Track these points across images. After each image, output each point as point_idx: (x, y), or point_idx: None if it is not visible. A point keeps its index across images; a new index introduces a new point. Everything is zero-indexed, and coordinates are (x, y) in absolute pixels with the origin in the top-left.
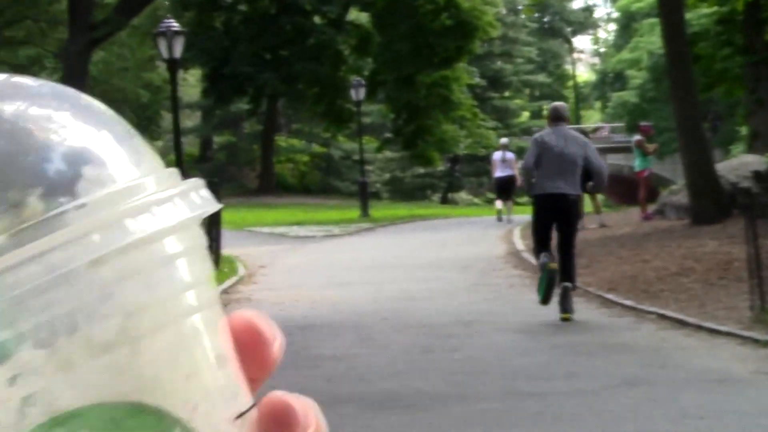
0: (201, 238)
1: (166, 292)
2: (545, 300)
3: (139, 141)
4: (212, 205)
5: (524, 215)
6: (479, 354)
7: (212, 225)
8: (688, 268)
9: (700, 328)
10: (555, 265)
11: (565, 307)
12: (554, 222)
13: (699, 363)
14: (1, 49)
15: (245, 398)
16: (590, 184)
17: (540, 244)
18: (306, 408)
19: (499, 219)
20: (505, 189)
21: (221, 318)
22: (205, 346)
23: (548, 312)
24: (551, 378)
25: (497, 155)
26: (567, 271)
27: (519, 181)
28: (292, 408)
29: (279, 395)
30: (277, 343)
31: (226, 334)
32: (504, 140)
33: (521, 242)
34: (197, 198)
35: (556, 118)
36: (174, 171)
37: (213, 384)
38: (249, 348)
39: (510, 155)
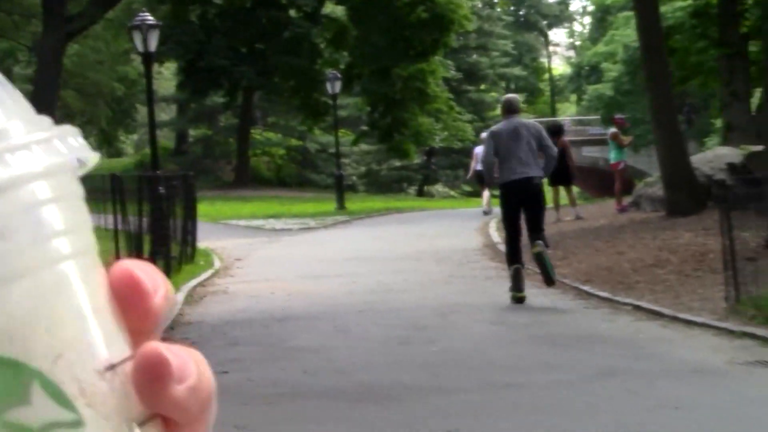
0: (75, 187)
1: (26, 239)
2: (549, 280)
3: (8, 88)
4: (86, 152)
5: None
6: (456, 345)
7: (188, 218)
8: (664, 259)
9: (675, 319)
10: (538, 248)
11: (548, 274)
12: (522, 207)
13: (674, 354)
14: None
15: (120, 350)
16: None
17: (511, 243)
18: (183, 360)
19: (487, 212)
20: (491, 180)
21: (98, 268)
22: (74, 295)
23: (525, 304)
24: (528, 369)
25: (479, 149)
26: (539, 237)
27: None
28: (165, 359)
29: (153, 346)
30: (159, 293)
31: (102, 284)
32: (485, 134)
33: (497, 234)
34: (67, 144)
35: (509, 110)
36: (45, 118)
37: (80, 335)
38: (127, 298)
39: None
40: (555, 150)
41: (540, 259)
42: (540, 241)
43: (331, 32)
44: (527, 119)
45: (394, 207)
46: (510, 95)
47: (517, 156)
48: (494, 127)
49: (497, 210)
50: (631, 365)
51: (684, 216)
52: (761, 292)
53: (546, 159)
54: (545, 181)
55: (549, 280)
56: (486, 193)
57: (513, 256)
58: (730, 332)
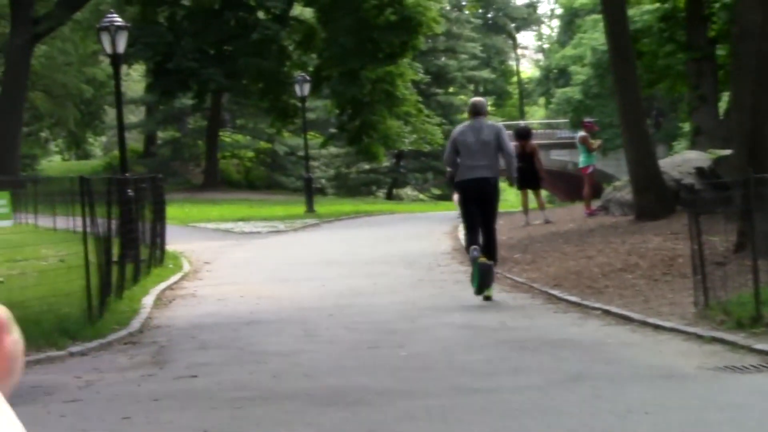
0: None
1: None
2: (480, 290)
3: None
4: None
5: None
6: (425, 350)
7: (157, 220)
8: (633, 264)
9: (644, 323)
10: (485, 259)
11: (481, 289)
12: (477, 204)
13: (644, 359)
14: None
15: None
16: (514, 177)
17: (469, 230)
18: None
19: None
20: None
21: None
22: None
23: (494, 308)
24: (497, 374)
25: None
26: (489, 252)
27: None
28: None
29: None
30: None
31: None
32: None
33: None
34: None
35: (475, 112)
36: None
37: None
38: None
39: None
40: (512, 151)
41: (482, 273)
42: (490, 263)
43: (300, 34)
44: (491, 121)
45: (364, 210)
46: (477, 98)
47: (473, 157)
48: (458, 128)
49: None
50: (600, 370)
51: (653, 220)
52: (730, 296)
53: (506, 160)
54: (512, 185)
55: (478, 291)
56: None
57: (470, 241)
58: (699, 337)
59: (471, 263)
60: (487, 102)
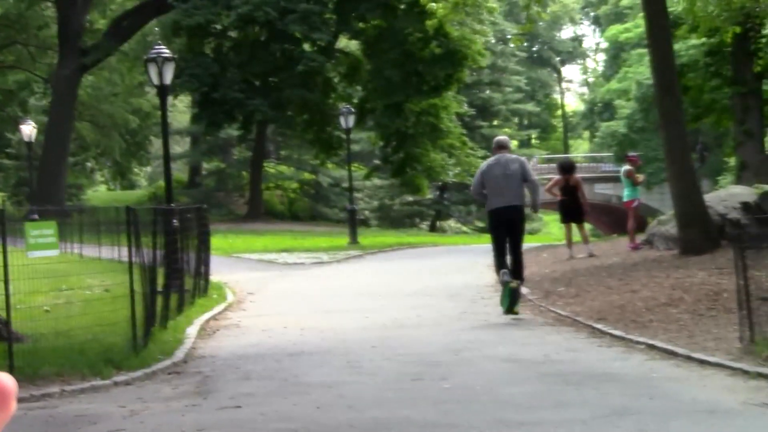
0: None
1: None
2: (509, 310)
3: None
4: None
5: (530, 243)
6: (468, 382)
7: (201, 251)
8: (677, 298)
9: (689, 358)
10: (515, 284)
11: (513, 306)
12: (506, 230)
13: (688, 394)
14: None
15: None
16: (538, 204)
17: (499, 254)
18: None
19: None
20: None
21: None
22: None
23: (537, 341)
24: (540, 407)
25: None
26: (517, 271)
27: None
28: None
29: None
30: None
31: None
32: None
33: None
34: None
35: (499, 147)
36: None
37: None
38: None
39: None
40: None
41: (512, 294)
42: (518, 281)
43: (345, 66)
44: (514, 155)
45: (407, 242)
46: (501, 136)
47: (503, 187)
48: (485, 162)
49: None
50: (644, 405)
51: (697, 254)
52: None
53: (532, 189)
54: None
55: (508, 310)
56: None
57: (500, 265)
58: (745, 372)
59: (501, 285)
60: (532, 135)
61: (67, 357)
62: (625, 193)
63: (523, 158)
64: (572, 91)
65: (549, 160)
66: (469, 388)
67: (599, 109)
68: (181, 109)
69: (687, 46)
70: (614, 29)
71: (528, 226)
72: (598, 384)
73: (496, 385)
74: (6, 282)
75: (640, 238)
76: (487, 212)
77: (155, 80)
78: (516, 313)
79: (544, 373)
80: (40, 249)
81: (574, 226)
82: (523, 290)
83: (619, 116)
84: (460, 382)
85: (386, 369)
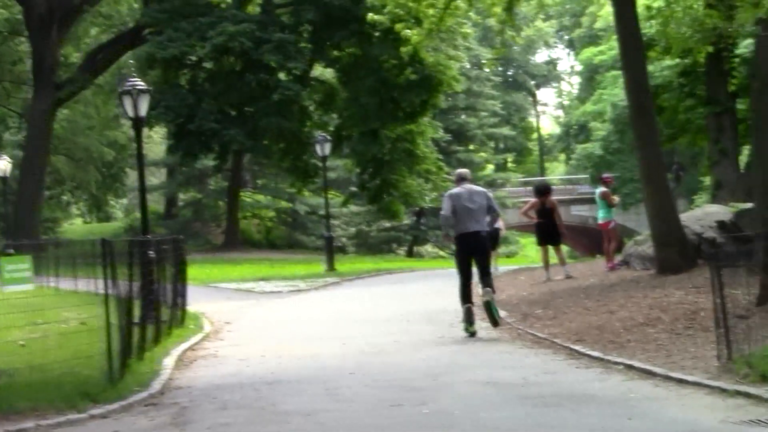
0: None
1: None
2: (496, 323)
3: None
4: None
5: (507, 265)
6: (448, 407)
7: (178, 281)
8: (655, 318)
9: (667, 378)
10: (489, 297)
11: (495, 318)
12: (472, 254)
13: (667, 413)
14: None
15: None
16: (490, 229)
17: (464, 286)
18: None
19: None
20: (493, 240)
21: None
22: None
23: (516, 364)
24: (520, 431)
25: None
26: (489, 284)
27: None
28: None
29: None
30: None
31: None
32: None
33: None
34: None
35: (461, 179)
36: None
37: None
38: None
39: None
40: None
41: (488, 307)
42: (488, 289)
43: (321, 94)
44: (476, 186)
45: (384, 267)
46: (462, 169)
47: (468, 215)
48: (452, 191)
49: (502, 268)
50: (623, 425)
51: (674, 274)
52: (753, 350)
53: (492, 213)
54: (535, 240)
55: (495, 323)
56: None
57: (465, 297)
58: (723, 391)
59: (464, 316)
60: (508, 159)
61: (43, 391)
62: (600, 215)
63: (486, 190)
64: (548, 114)
65: (525, 183)
66: (448, 413)
67: (575, 132)
68: (156, 141)
69: (661, 67)
70: (588, 52)
71: (505, 248)
72: (577, 406)
73: (475, 410)
74: None
75: (617, 258)
76: (455, 237)
77: (130, 112)
78: (496, 323)
79: (523, 396)
80: (15, 283)
81: (550, 248)
82: (502, 313)
83: (595, 138)
84: (439, 408)
85: (365, 395)
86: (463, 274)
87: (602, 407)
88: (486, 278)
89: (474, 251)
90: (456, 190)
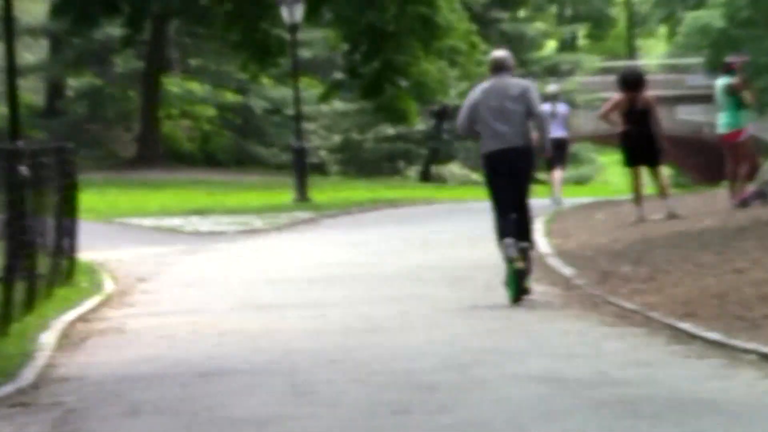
0: None
1: None
2: (517, 299)
3: None
4: None
5: (576, 197)
6: (482, 417)
7: (64, 214)
8: None
9: None
10: (522, 264)
11: (522, 286)
12: (506, 180)
13: None
14: None
15: None
16: (547, 147)
17: (500, 218)
18: None
19: (557, 201)
20: (557, 155)
21: None
22: None
23: (589, 351)
24: None
25: (546, 107)
26: (524, 233)
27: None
28: None
29: None
30: None
31: None
32: (552, 87)
33: (546, 242)
34: None
35: (498, 67)
36: None
37: None
38: None
39: (563, 108)
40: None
41: (516, 276)
42: (525, 246)
43: None
44: (515, 79)
45: (386, 198)
46: (500, 52)
47: (498, 123)
48: (477, 88)
49: (568, 201)
50: None
51: None
52: None
53: (539, 127)
54: (621, 159)
55: (521, 293)
56: (558, 175)
57: (502, 232)
58: None
59: (505, 262)
60: (580, 33)
61: None
62: (725, 120)
63: (528, 83)
64: None
65: (605, 71)
66: (482, 424)
67: None
68: None
69: None
70: None
71: (573, 170)
72: (687, 417)
73: (525, 420)
74: None
75: (750, 187)
76: (481, 156)
77: None
78: (526, 291)
79: (599, 400)
80: None
81: (645, 170)
82: (568, 271)
83: (712, 4)
84: (468, 417)
85: (353, 396)
86: (499, 212)
87: (726, 419)
88: (523, 220)
89: (507, 177)
90: (485, 84)
